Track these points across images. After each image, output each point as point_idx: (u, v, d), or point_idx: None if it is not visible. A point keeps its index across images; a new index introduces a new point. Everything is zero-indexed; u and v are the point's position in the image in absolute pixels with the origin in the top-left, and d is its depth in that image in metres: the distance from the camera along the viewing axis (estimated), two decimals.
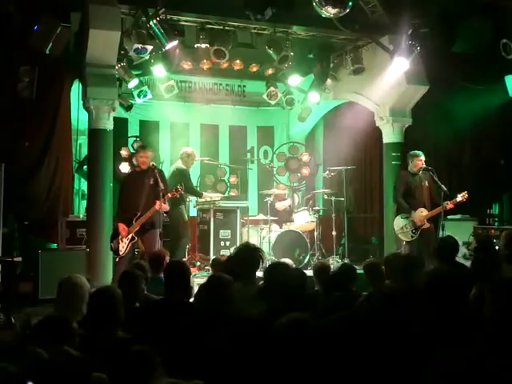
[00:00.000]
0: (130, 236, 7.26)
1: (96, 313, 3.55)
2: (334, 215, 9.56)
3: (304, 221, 9.49)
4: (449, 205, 7.69)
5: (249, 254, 4.56)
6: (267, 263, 8.20)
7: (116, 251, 7.30)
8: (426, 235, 7.86)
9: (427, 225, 7.88)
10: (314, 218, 9.56)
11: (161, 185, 7.20)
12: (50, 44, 7.24)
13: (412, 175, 8.08)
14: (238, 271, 4.43)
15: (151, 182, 7.25)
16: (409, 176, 8.11)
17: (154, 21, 7.45)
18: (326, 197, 10.28)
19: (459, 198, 7.79)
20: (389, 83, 8.95)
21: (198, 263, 9.22)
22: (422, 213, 7.88)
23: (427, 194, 8.00)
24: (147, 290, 4.64)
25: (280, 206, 10.03)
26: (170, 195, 7.29)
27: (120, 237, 7.25)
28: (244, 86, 11.65)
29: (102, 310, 3.51)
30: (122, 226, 7.25)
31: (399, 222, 8.04)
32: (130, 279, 4.40)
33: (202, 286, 4.13)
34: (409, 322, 3.12)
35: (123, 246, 7.25)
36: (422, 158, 8.04)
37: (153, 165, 7.51)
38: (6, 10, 7.28)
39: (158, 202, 7.12)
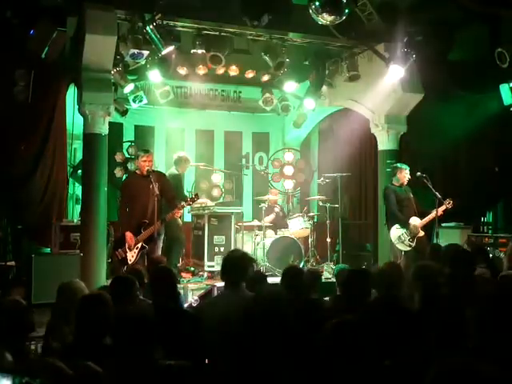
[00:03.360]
0: (139, 245, 7.13)
1: (85, 319, 3.46)
2: (328, 222, 9.57)
3: (298, 227, 9.48)
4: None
5: (237, 261, 4.43)
6: (263, 269, 8.34)
7: (124, 260, 7.15)
8: (420, 243, 7.86)
9: (422, 233, 7.91)
10: (309, 225, 9.56)
11: (169, 189, 7.18)
12: (46, 48, 7.22)
13: (397, 187, 8.11)
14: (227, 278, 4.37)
15: (155, 188, 7.15)
16: (395, 188, 8.14)
17: (151, 26, 7.44)
18: (320, 203, 10.27)
19: (443, 206, 7.82)
20: (384, 90, 8.96)
21: (192, 269, 9.20)
22: (415, 221, 7.90)
23: (414, 205, 8.05)
24: (144, 296, 4.58)
25: (267, 219, 9.90)
26: (185, 204, 7.23)
27: (127, 246, 7.15)
28: (240, 92, 11.65)
29: (91, 315, 3.42)
30: (129, 236, 7.14)
31: (396, 232, 8.01)
32: (123, 284, 4.36)
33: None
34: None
35: (132, 256, 7.11)
36: (408, 171, 8.08)
37: (151, 169, 7.49)
38: (4, 14, 7.26)
39: (178, 211, 7.13)
